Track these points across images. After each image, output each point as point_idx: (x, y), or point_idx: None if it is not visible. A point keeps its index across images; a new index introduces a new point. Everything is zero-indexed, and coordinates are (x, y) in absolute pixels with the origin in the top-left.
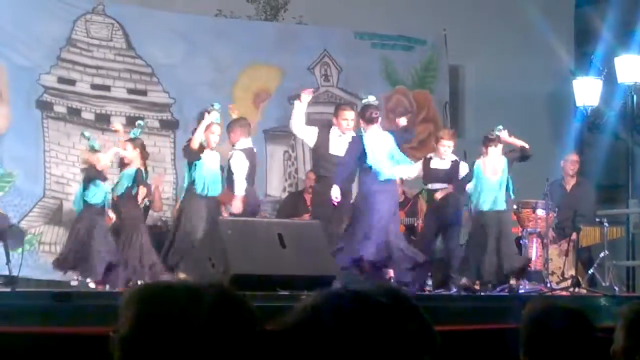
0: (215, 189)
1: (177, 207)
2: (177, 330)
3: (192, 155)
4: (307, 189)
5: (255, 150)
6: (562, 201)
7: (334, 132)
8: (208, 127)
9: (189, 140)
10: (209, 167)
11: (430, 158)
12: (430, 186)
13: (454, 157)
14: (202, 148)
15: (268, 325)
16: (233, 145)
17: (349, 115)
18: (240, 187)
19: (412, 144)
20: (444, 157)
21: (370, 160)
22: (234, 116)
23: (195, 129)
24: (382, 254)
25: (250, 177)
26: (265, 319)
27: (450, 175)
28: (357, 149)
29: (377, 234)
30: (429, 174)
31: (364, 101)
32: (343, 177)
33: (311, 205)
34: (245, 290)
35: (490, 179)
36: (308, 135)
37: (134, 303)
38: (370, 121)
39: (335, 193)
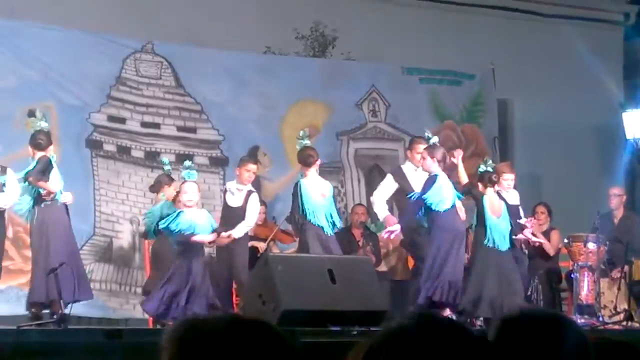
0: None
1: None
2: None
3: None
4: (354, 224)
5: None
6: (611, 234)
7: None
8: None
9: None
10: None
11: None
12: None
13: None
14: None
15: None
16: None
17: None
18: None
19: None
20: (507, 190)
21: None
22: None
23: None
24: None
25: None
26: (316, 354)
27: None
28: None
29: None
30: None
31: (431, 141)
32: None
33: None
34: (296, 326)
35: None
36: (388, 192)
37: (170, 340)
38: (443, 161)
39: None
